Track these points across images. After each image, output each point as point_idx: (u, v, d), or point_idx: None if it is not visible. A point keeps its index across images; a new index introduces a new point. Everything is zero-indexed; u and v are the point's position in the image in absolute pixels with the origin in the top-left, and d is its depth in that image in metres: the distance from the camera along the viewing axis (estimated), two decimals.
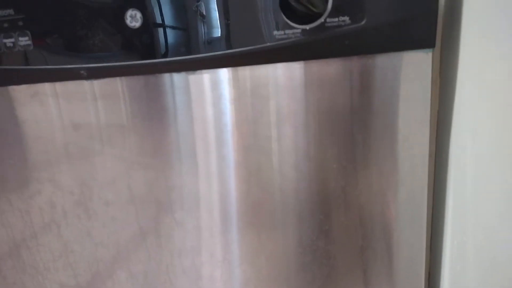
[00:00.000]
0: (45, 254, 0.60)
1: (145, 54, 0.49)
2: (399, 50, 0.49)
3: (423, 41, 0.48)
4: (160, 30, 0.49)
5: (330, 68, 0.50)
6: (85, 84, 0.51)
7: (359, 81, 0.51)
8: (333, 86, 0.51)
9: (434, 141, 0.55)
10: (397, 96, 0.51)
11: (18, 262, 0.60)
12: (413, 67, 0.50)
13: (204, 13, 0.48)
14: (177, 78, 0.52)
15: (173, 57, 0.49)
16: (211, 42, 0.49)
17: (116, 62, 0.49)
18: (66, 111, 0.53)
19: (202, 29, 0.49)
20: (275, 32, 0.48)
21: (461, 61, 0.48)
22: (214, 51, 0.49)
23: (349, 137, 0.53)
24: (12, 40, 0.48)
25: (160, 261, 0.60)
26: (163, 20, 0.49)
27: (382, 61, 0.50)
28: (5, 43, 0.48)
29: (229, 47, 0.49)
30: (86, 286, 0.62)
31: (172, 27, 0.49)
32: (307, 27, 0.47)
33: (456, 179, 0.51)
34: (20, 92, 0.51)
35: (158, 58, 0.49)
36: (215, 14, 0.48)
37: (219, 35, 0.49)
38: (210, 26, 0.49)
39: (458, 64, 0.49)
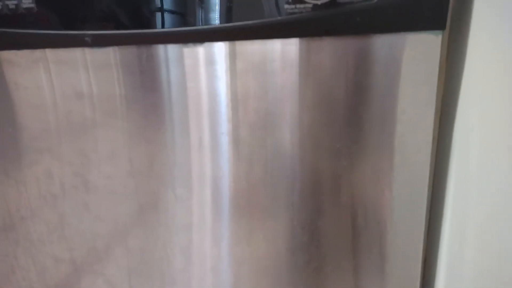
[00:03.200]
0: (39, 226, 0.59)
1: (153, 23, 0.48)
2: (409, 31, 0.48)
3: (434, 23, 0.48)
4: None
5: (336, 46, 0.50)
6: (88, 52, 0.50)
7: (365, 61, 0.50)
8: (338, 65, 0.51)
9: (437, 125, 0.55)
10: (403, 77, 0.51)
11: (12, 233, 0.60)
12: (422, 49, 0.49)
13: None
14: (186, 50, 0.51)
15: (186, 26, 0.48)
16: (220, 14, 0.48)
17: (123, 30, 0.48)
18: (68, 79, 0.52)
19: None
20: (286, 6, 0.47)
21: (471, 44, 0.48)
22: (224, 23, 0.48)
23: (353, 117, 0.53)
24: (15, 2, 0.47)
25: (158, 237, 0.60)
26: None
27: (391, 41, 0.49)
28: (7, 5, 0.47)
29: (239, 19, 0.48)
30: (80, 261, 0.61)
31: None
32: (318, 2, 0.47)
33: (459, 162, 0.51)
34: (22, 57, 0.50)
35: (169, 27, 0.48)
36: None
37: (228, 6, 0.48)
38: None
39: (467, 47, 0.49)
